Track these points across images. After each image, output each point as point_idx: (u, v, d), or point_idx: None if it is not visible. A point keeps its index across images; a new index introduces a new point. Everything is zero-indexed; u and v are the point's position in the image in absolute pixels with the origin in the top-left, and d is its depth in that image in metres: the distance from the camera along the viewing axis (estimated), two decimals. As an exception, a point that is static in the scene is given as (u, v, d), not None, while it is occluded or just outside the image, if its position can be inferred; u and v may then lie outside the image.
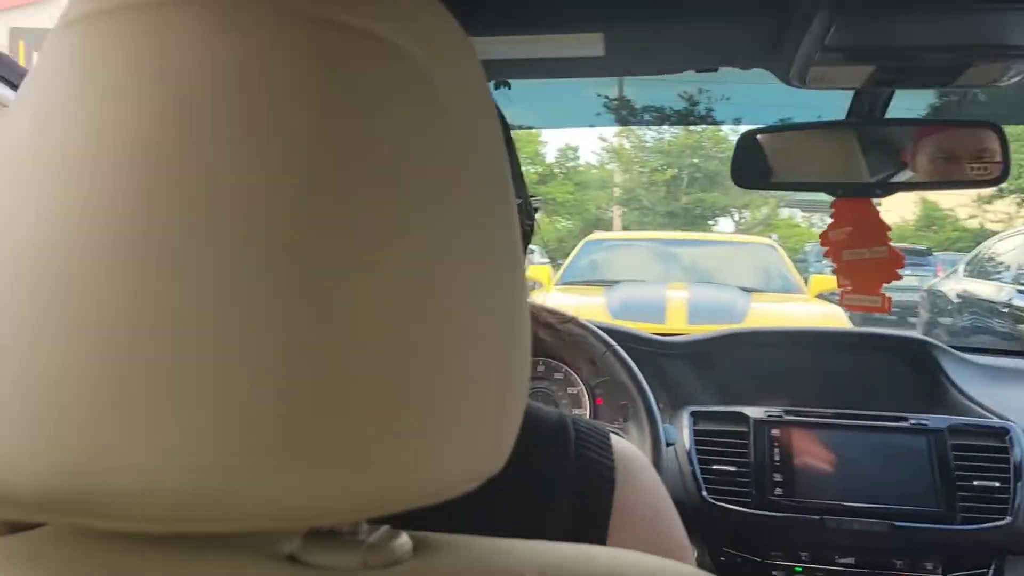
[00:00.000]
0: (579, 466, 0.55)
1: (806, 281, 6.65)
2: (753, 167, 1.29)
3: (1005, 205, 25.41)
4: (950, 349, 1.61)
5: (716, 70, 1.08)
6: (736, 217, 25.66)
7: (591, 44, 0.97)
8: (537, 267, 9.32)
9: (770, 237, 15.47)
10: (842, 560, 1.37)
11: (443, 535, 0.38)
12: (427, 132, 0.31)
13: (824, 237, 1.30)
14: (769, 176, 1.28)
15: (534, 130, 25.93)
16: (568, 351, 1.41)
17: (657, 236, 7.44)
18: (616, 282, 5.96)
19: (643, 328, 1.90)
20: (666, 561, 0.41)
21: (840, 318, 5.34)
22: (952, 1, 0.83)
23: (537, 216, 0.83)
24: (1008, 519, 1.32)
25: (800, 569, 1.38)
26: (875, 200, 1.25)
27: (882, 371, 1.63)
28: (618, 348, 1.30)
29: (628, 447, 0.60)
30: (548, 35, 1.00)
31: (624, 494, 0.55)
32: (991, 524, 1.32)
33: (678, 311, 5.00)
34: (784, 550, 1.39)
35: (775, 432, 1.43)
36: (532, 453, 0.54)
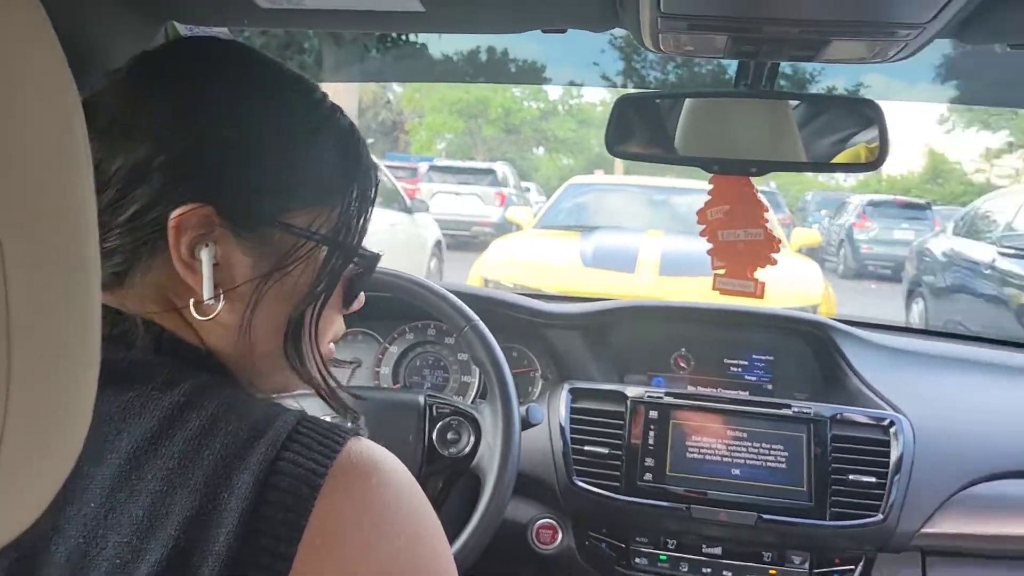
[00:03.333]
0: (271, 471, 0.49)
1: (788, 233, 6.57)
2: (628, 134, 1.19)
3: (1014, 160, 25.05)
4: (853, 331, 1.54)
5: (564, 31, 0.98)
6: (739, 162, 25.36)
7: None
8: (517, 208, 9.24)
9: (769, 185, 15.27)
10: (708, 550, 1.32)
11: None
12: None
13: (701, 215, 1.21)
14: (644, 145, 1.19)
15: (538, 64, 25.49)
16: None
17: (644, 182, 7.30)
18: (594, 228, 5.87)
19: (549, 284, 1.82)
20: None
21: (814, 279, 5.26)
22: None
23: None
24: (879, 517, 1.27)
25: (664, 558, 1.33)
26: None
27: (783, 352, 1.56)
28: (479, 325, 1.22)
29: (366, 453, 0.53)
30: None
31: (333, 503, 0.49)
32: (861, 521, 1.27)
33: (649, 261, 4.92)
34: (650, 537, 1.34)
35: (652, 414, 1.37)
36: (201, 452, 0.49)
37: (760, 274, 1.16)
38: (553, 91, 27.81)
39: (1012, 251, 5.63)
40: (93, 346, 0.32)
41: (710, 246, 1.21)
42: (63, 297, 0.29)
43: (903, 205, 14.22)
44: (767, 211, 1.16)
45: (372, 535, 0.51)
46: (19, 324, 0.27)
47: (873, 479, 1.29)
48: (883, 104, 1.08)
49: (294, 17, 1.03)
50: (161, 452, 0.49)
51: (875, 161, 1.05)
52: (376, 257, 0.70)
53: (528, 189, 18.44)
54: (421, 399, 1.24)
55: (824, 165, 1.12)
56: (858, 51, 0.93)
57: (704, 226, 1.21)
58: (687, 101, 1.16)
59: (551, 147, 29.02)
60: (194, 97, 0.58)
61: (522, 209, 8.63)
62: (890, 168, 30.59)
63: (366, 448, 0.54)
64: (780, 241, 1.16)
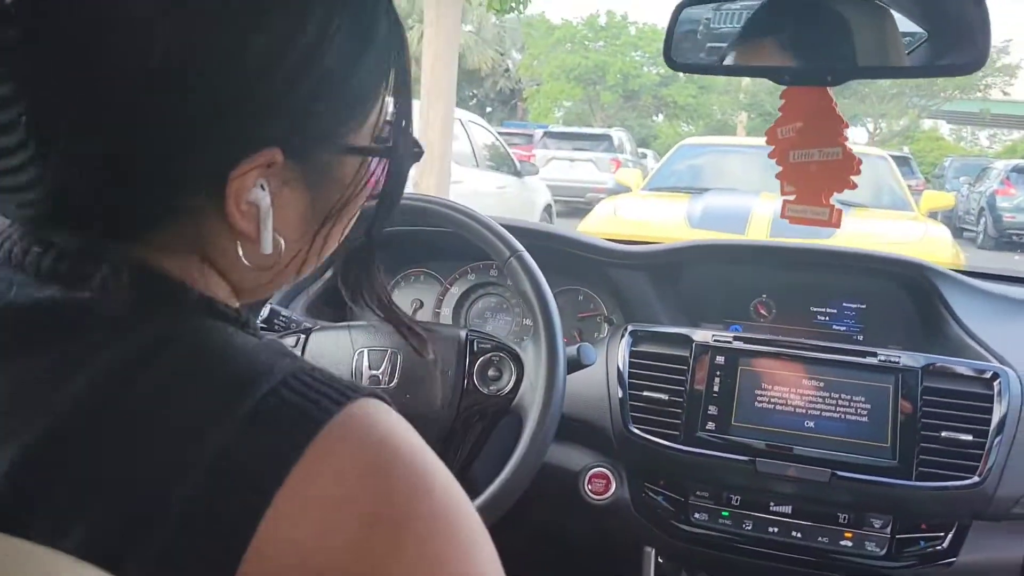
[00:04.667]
0: (254, 417, 0.42)
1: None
2: (689, 45, 1.08)
3: None
4: (958, 275, 1.37)
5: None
6: (871, 127, 24.02)
7: None
8: (627, 171, 9.01)
9: (902, 149, 14.45)
10: (777, 508, 1.21)
11: None
12: None
13: (770, 134, 1.08)
14: (707, 56, 1.07)
15: (658, 27, 24.83)
16: None
17: (759, 142, 6.97)
18: (705, 190, 5.65)
19: (648, 237, 1.70)
20: None
21: (943, 241, 4.89)
22: None
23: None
24: (975, 479, 1.12)
25: (727, 514, 1.22)
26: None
27: (877, 299, 1.41)
28: (524, 255, 1.13)
29: (372, 415, 0.45)
30: None
31: (317, 469, 0.41)
32: (954, 483, 1.12)
33: (761, 223, 4.68)
34: (711, 491, 1.23)
35: (719, 360, 1.25)
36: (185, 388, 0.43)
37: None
38: (674, 55, 27.09)
39: None
40: None
41: (779, 169, 1.08)
42: None
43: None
44: (847, 127, 1.01)
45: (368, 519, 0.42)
46: None
47: (970, 437, 1.14)
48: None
49: None
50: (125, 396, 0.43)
51: (973, 60, 0.90)
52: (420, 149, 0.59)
53: (645, 156, 18.10)
54: (463, 333, 1.17)
55: (911, 69, 0.97)
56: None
57: (774, 147, 1.08)
58: (754, 4, 1.03)
59: (670, 114, 28.31)
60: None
61: (632, 171, 8.41)
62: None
63: (374, 410, 0.45)
64: (860, 161, 1.02)
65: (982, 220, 12.94)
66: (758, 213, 4.78)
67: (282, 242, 0.51)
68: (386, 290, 0.62)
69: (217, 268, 0.52)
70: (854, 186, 1.03)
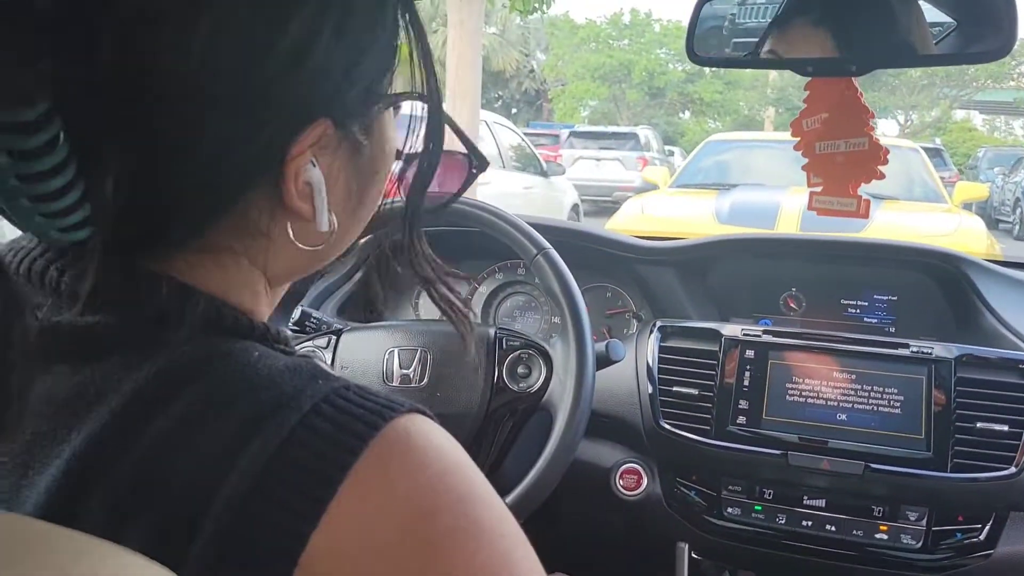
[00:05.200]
0: (288, 442, 0.40)
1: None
2: (712, 39, 1.08)
3: None
4: (990, 265, 1.35)
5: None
6: (902, 119, 23.68)
7: None
8: (654, 168, 8.97)
9: (934, 141, 14.23)
10: (810, 502, 1.20)
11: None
12: None
13: (796, 126, 1.08)
14: (729, 49, 1.07)
15: (683, 24, 24.71)
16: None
17: (786, 137, 6.92)
18: (733, 186, 5.61)
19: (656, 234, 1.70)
20: None
21: (978, 233, 4.82)
22: None
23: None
24: (1012, 470, 1.10)
25: (760, 508, 1.22)
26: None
27: (908, 291, 1.39)
28: (551, 252, 1.14)
29: (413, 431, 0.44)
30: None
31: (363, 492, 0.40)
32: (990, 474, 1.11)
33: (791, 218, 4.64)
34: (744, 486, 1.23)
35: (749, 354, 1.25)
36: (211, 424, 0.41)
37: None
38: (699, 52, 26.91)
39: None
40: None
41: (805, 160, 1.07)
42: None
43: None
44: (873, 117, 1.01)
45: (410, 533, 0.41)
46: None
47: (1006, 428, 1.12)
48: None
49: None
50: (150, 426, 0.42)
51: (1000, 47, 0.89)
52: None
53: (672, 153, 18.01)
54: (492, 331, 1.18)
55: (936, 57, 0.96)
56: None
57: (799, 139, 1.08)
58: (778, -4, 1.03)
59: (697, 110, 28.13)
60: None
61: (659, 168, 8.38)
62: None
63: (415, 428, 0.44)
64: (887, 151, 1.01)
65: (1017, 211, 12.70)
66: (787, 208, 4.73)
67: (334, 219, 0.50)
68: (437, 262, 0.60)
69: (258, 261, 0.51)
70: (882, 176, 1.03)
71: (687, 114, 29.79)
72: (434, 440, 0.44)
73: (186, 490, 0.40)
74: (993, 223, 11.30)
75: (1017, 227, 12.50)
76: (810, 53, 1.02)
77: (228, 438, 0.41)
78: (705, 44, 1.08)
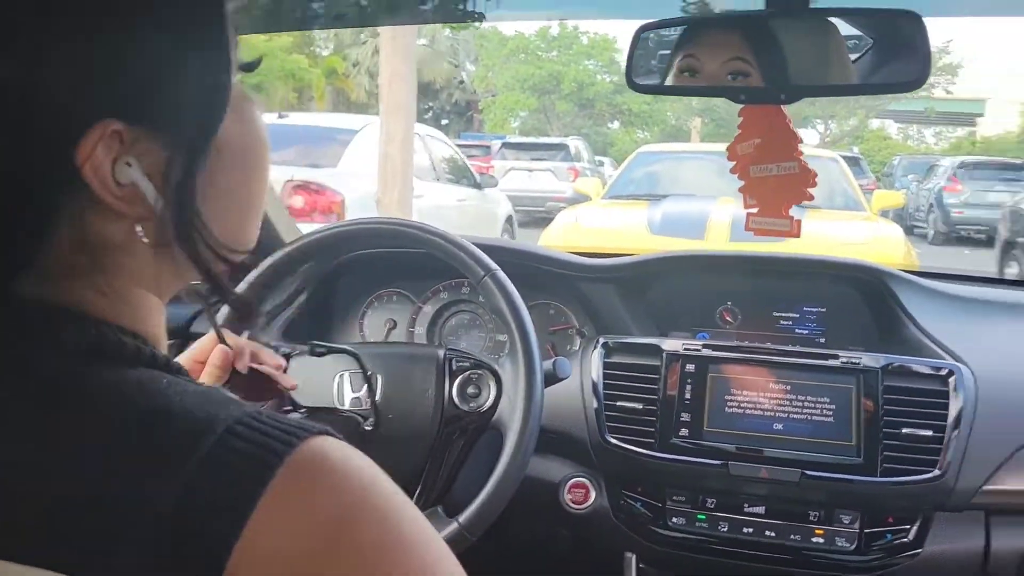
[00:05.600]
0: (211, 461, 0.42)
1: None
2: (650, 66, 1.12)
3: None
4: (912, 277, 1.43)
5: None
6: (821, 128, 24.48)
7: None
8: (586, 179, 9.10)
9: (852, 150, 14.76)
10: (750, 509, 1.25)
11: None
12: None
13: (731, 151, 1.13)
14: (667, 77, 1.12)
15: (610, 36, 25.14)
16: None
17: (715, 148, 7.13)
18: (664, 196, 5.74)
19: (610, 249, 1.75)
20: None
21: (896, 239, 5.03)
22: None
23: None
24: (935, 472, 1.17)
25: (703, 517, 1.26)
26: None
27: (836, 303, 1.46)
28: (498, 273, 1.17)
29: (323, 449, 0.45)
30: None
31: (282, 496, 0.42)
32: (916, 477, 1.17)
33: (720, 227, 4.77)
34: (688, 496, 1.27)
35: (689, 368, 1.30)
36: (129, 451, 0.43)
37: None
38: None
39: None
40: None
41: (741, 183, 1.13)
42: None
43: (998, 166, 13.57)
44: (801, 142, 1.07)
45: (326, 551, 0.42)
46: None
47: (929, 432, 1.19)
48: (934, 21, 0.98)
49: None
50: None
51: (915, 79, 0.95)
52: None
53: (602, 163, 18.25)
54: (440, 352, 1.20)
55: (859, 87, 1.02)
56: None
57: (735, 162, 1.13)
58: (711, 27, 1.08)
59: (626, 121, 28.59)
60: None
61: (590, 179, 8.51)
62: (984, 129, 29.20)
63: (328, 447, 0.45)
64: (816, 174, 1.07)
65: (931, 216, 13.26)
66: (716, 218, 4.87)
67: (204, 214, 0.50)
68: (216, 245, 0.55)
69: (130, 275, 0.51)
70: (811, 197, 1.09)
71: (616, 124, 30.25)
72: (351, 458, 0.46)
73: (109, 511, 0.41)
74: (909, 229, 11.75)
75: (931, 232, 13.04)
76: (741, 81, 1.07)
77: (146, 463, 0.42)
78: (644, 72, 1.13)
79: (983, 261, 9.33)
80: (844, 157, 7.61)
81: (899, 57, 1.01)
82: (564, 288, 1.52)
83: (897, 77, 0.98)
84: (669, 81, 1.12)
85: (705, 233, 4.70)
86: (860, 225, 5.23)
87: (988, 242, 10.18)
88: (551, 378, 1.18)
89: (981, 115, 29.26)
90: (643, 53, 1.12)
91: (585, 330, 1.52)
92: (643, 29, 1.11)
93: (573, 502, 1.31)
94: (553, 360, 1.20)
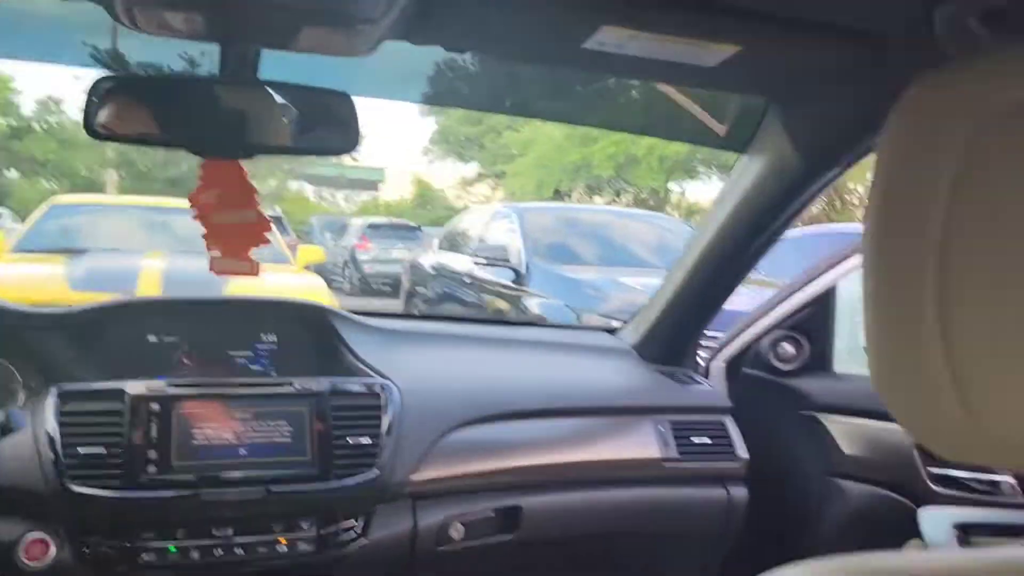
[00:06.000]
0: None
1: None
2: (111, 117, 1.16)
3: (483, 188, 28.97)
4: (348, 314, 1.68)
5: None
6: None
7: None
8: (-9, 232, 8.04)
9: (274, 209, 15.52)
10: (218, 532, 1.34)
11: None
12: None
13: (193, 199, 1.23)
14: (129, 128, 1.17)
15: (5, 75, 22.41)
16: None
17: (141, 202, 6.93)
18: (84, 250, 5.38)
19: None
20: None
21: (321, 289, 5.50)
22: None
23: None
24: (375, 472, 1.41)
25: (174, 548, 1.31)
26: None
27: (286, 339, 1.63)
28: None
29: None
30: None
31: None
32: (360, 479, 1.40)
33: (151, 280, 4.67)
34: (158, 531, 1.31)
35: (154, 407, 1.34)
36: None
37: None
38: (26, 105, 24.57)
39: (484, 261, 6.51)
40: None
41: (204, 230, 1.23)
42: None
43: (397, 227, 15.59)
44: (256, 193, 1.22)
45: None
46: None
47: (369, 440, 1.43)
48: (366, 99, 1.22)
49: None
50: None
51: (346, 145, 1.18)
52: None
53: (1, 214, 16.12)
54: None
55: (304, 149, 1.22)
56: (331, 42, 1.04)
57: (198, 211, 1.23)
58: (175, 84, 1.18)
59: (28, 170, 25.64)
60: None
61: (-5, 232, 7.52)
62: (386, 195, 33.38)
63: None
64: (271, 221, 1.23)
65: (347, 271, 14.63)
66: (147, 271, 4.77)
67: None
68: None
69: None
70: (268, 242, 1.24)
71: (14, 173, 26.89)
72: None
73: None
74: (329, 281, 12.76)
75: (348, 284, 14.37)
76: (202, 137, 1.18)
77: None
78: (106, 119, 1.16)
79: (392, 308, 10.62)
80: (269, 217, 8.02)
81: (330, 125, 1.23)
82: (6, 339, 1.42)
83: (331, 143, 1.20)
84: (129, 131, 1.18)
85: (137, 286, 4.57)
86: (289, 276, 5.60)
87: (394, 293, 11.61)
88: (5, 430, 1.13)
89: (382, 181, 33.38)
90: (106, 102, 1.16)
91: (31, 382, 1.44)
92: (103, 82, 1.15)
93: (29, 559, 1.24)
94: (5, 412, 1.14)
